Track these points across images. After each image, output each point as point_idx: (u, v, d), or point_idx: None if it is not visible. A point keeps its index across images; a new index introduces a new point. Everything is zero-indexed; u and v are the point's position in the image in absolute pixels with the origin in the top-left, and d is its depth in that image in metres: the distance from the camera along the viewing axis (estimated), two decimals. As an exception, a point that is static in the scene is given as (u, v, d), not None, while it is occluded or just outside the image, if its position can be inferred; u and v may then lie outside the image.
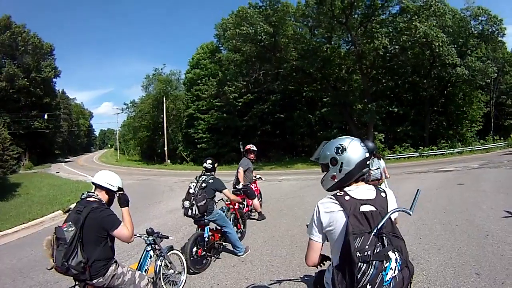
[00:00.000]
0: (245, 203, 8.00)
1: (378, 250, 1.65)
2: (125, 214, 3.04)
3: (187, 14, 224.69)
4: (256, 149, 8.18)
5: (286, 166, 29.32)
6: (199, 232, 5.29)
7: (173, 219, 9.19)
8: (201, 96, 39.19)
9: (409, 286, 1.75)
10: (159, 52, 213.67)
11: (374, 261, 1.62)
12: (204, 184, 5.28)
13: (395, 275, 1.65)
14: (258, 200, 8.43)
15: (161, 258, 3.97)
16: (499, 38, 31.17)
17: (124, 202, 3.07)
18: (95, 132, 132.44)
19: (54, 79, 51.95)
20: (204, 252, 5.18)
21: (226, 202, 6.64)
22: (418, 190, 1.96)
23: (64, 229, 2.66)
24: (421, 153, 29.06)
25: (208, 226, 5.37)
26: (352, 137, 2.06)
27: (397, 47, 27.34)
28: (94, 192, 2.99)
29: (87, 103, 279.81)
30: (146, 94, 51.94)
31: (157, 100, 47.22)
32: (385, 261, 1.63)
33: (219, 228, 5.58)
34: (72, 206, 11.79)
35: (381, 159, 6.44)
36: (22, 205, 13.08)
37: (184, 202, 5.23)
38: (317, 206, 1.95)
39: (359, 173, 1.97)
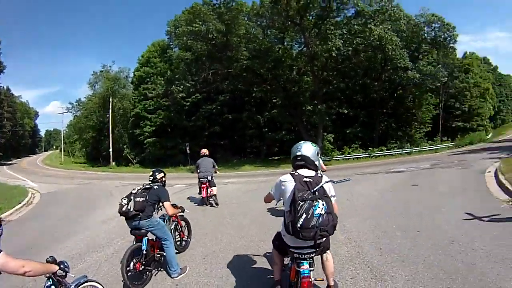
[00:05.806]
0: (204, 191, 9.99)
1: (310, 196, 2.86)
2: None
3: (140, 10, 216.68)
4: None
5: (233, 168, 28.25)
6: (136, 244, 4.74)
7: (106, 231, 8.24)
8: (148, 95, 37.25)
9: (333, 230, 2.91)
10: (111, 49, 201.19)
11: (308, 201, 2.83)
12: (148, 186, 5.01)
13: (323, 214, 2.80)
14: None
15: None
16: (451, 45, 32.23)
17: None
18: (40, 133, 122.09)
19: (-3, 75, 47.33)
20: (143, 267, 4.63)
21: None
22: (349, 179, 4.09)
23: None
24: (370, 154, 29.25)
25: (146, 237, 4.80)
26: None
27: (350, 49, 27.08)
28: None
29: (35, 101, 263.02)
30: (93, 93, 48.45)
31: (103, 99, 44.32)
32: (314, 201, 2.83)
33: (159, 239, 4.97)
34: (3, 215, 10.28)
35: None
36: None
37: (122, 200, 4.74)
38: (280, 180, 3.26)
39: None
